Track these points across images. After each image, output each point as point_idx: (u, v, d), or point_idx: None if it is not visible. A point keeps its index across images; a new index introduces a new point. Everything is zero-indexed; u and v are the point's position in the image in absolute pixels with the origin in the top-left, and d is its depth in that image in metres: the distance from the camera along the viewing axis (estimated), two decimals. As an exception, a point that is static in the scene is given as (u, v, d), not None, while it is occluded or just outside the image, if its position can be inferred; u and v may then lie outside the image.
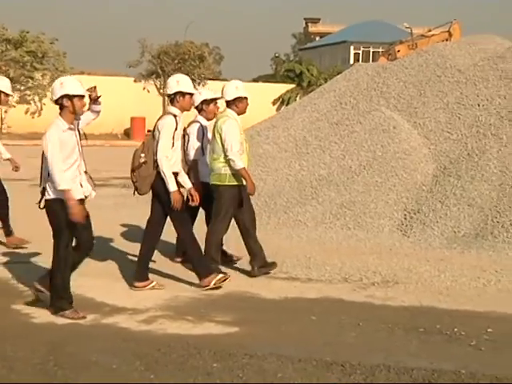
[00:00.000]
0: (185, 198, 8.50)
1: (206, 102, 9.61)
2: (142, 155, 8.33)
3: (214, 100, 9.69)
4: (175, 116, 8.32)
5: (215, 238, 8.91)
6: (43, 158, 7.26)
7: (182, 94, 8.38)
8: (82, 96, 7.30)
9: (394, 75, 15.24)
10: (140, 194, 8.55)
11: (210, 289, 8.28)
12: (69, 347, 6.43)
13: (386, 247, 10.69)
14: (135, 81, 41.60)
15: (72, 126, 7.30)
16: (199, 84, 41.85)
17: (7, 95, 10.34)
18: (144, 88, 40.69)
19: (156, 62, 42.22)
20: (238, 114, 8.98)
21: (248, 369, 5.96)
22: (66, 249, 7.28)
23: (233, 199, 8.84)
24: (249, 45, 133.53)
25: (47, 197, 7.26)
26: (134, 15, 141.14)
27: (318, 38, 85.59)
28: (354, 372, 5.91)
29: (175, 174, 8.28)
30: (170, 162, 8.20)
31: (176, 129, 8.28)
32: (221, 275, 8.43)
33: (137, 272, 8.45)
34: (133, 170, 8.43)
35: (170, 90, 8.42)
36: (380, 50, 51.71)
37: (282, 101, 47.66)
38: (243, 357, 6.19)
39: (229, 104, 8.99)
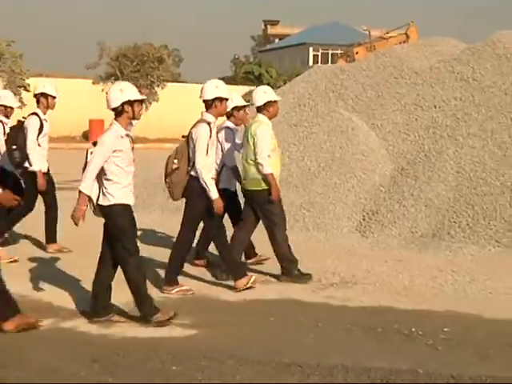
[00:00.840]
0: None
1: (237, 108, 9.52)
2: (175, 161, 8.32)
3: (244, 107, 9.67)
4: (209, 123, 8.28)
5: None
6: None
7: (221, 99, 8.38)
8: (142, 101, 7.24)
9: (352, 77, 15.34)
10: (174, 200, 8.58)
11: (244, 290, 8.38)
12: (27, 352, 6.39)
13: (345, 248, 10.76)
14: (93, 83, 41.30)
15: (129, 133, 7.25)
16: (158, 86, 41.76)
17: (54, 98, 10.29)
18: (103, 90, 40.26)
19: (114, 64, 42.00)
20: (270, 118, 9.01)
21: (207, 371, 5.96)
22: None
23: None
24: (208, 47, 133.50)
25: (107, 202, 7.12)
26: (93, 17, 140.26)
27: (277, 40, 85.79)
28: (312, 373, 5.93)
29: None
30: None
31: (210, 136, 8.25)
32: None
33: (166, 276, 8.46)
34: (166, 176, 8.42)
35: (209, 96, 8.33)
36: (339, 52, 51.88)
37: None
38: (202, 359, 6.19)
39: (259, 109, 8.98)
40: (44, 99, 10.21)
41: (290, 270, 8.92)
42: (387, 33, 24.52)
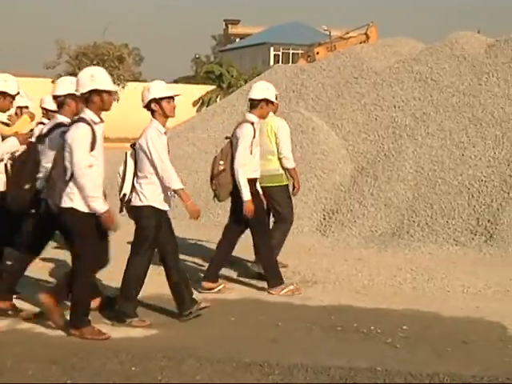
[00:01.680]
0: (264, 205, 8.58)
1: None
2: (221, 163, 8.28)
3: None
4: (253, 124, 8.28)
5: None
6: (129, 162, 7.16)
7: (267, 102, 8.42)
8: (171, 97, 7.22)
9: (312, 77, 15.41)
10: (219, 201, 8.58)
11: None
12: (-17, 354, 6.32)
13: (306, 247, 10.79)
14: (53, 82, 40.97)
15: (165, 130, 7.27)
16: (119, 85, 41.52)
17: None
18: (62, 89, 40.17)
19: (74, 63, 41.68)
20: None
21: (166, 371, 5.95)
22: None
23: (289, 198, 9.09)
24: (169, 46, 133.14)
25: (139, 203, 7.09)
26: (51, 16, 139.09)
27: (238, 40, 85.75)
28: (272, 372, 5.95)
29: (254, 181, 8.34)
30: (250, 169, 8.26)
31: (254, 136, 8.24)
32: (291, 286, 8.47)
33: (207, 272, 8.49)
34: (212, 178, 8.35)
35: (258, 96, 8.37)
36: (299, 51, 52.05)
37: (203, 102, 47.67)
38: (162, 359, 6.17)
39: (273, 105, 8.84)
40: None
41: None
42: (347, 33, 24.64)
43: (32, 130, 8.63)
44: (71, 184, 6.56)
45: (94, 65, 41.40)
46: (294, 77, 15.73)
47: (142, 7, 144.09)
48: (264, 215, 8.59)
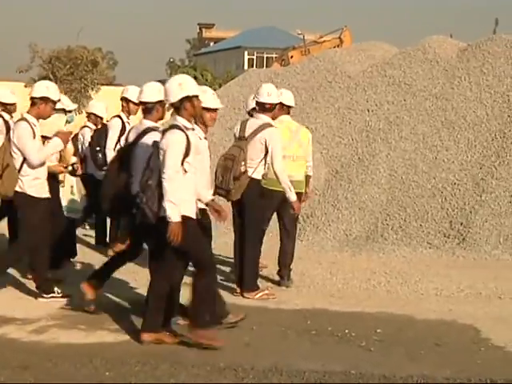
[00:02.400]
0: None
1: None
2: (243, 163, 8.26)
3: None
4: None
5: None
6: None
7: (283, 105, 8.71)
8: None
9: (286, 81, 15.45)
10: (229, 200, 8.47)
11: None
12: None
13: (280, 251, 10.77)
14: (26, 86, 40.70)
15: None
16: (92, 90, 41.35)
17: (136, 104, 9.79)
18: (35, 93, 39.93)
19: (47, 67, 41.41)
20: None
21: (141, 376, 5.93)
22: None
23: None
24: (143, 50, 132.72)
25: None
26: (24, 19, 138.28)
27: (212, 44, 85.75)
28: (246, 376, 5.95)
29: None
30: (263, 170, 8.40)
31: None
32: (266, 291, 8.51)
33: (245, 281, 8.42)
34: (235, 178, 8.23)
35: (273, 100, 8.46)
36: (274, 55, 52.14)
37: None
38: (136, 364, 6.14)
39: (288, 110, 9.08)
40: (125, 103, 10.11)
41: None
42: (321, 37, 24.79)
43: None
44: None
45: (67, 69, 41.33)
46: (268, 81, 15.71)
47: (116, 11, 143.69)
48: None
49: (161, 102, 7.37)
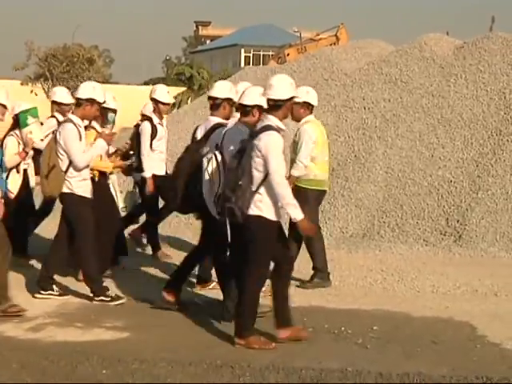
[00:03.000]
0: None
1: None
2: None
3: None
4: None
5: None
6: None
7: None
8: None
9: (282, 78, 15.41)
10: None
11: None
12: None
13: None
14: (22, 84, 40.72)
15: None
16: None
17: (165, 104, 10.00)
18: (31, 91, 39.88)
19: (44, 64, 41.39)
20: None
21: (138, 374, 5.94)
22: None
23: None
24: (140, 47, 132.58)
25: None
26: (20, 17, 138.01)
27: (208, 41, 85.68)
28: (243, 374, 5.96)
29: None
30: None
31: None
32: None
33: None
34: None
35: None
36: (270, 53, 52.10)
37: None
38: (133, 362, 6.15)
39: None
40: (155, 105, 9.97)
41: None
42: (318, 35, 24.78)
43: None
44: (261, 192, 6.52)
45: (63, 67, 41.26)
46: (265, 78, 15.68)
47: (113, 9, 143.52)
48: None
49: (229, 100, 7.56)
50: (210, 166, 7.27)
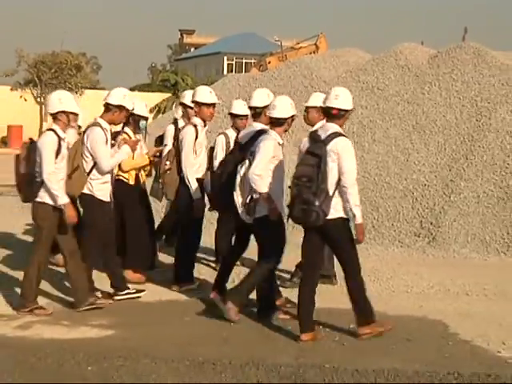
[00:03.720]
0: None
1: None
2: None
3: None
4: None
5: None
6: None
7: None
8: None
9: (264, 86, 15.38)
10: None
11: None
12: None
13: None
14: (12, 89, 40.55)
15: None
16: (76, 93, 41.17)
17: (207, 105, 8.63)
18: (21, 96, 39.76)
19: (33, 70, 41.27)
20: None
21: (122, 370, 5.93)
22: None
23: None
24: (126, 54, 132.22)
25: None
26: (9, 25, 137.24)
27: (193, 49, 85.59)
28: (224, 370, 5.96)
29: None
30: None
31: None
32: None
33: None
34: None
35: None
36: (252, 61, 52.15)
37: (159, 109, 47.49)
38: (117, 359, 6.15)
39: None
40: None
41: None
42: (298, 43, 24.86)
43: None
44: (336, 195, 6.68)
45: (52, 73, 41.08)
46: (247, 85, 15.77)
47: (100, 17, 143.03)
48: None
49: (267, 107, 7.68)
50: (243, 169, 7.43)
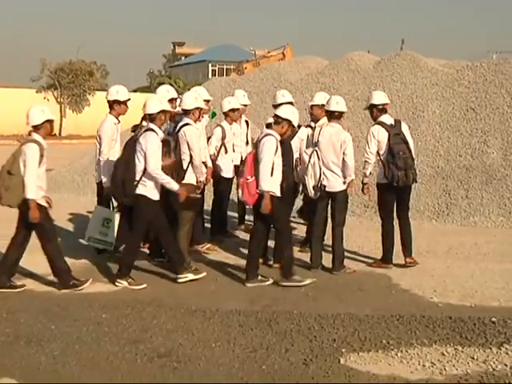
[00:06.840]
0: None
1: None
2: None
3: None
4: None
5: None
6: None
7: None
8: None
9: (241, 87, 15.31)
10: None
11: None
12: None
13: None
14: (37, 92, 40.14)
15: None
16: (89, 94, 40.85)
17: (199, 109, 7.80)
18: (45, 98, 39.33)
19: (54, 76, 40.94)
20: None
21: (130, 317, 5.91)
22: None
23: None
24: (129, 63, 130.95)
25: None
26: (34, 39, 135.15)
27: (183, 58, 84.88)
28: (212, 316, 5.96)
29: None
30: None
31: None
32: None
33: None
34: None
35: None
36: (232, 67, 51.80)
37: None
38: (126, 308, 6.13)
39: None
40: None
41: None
42: (268, 52, 24.68)
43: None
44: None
45: (69, 78, 40.61)
46: (228, 87, 15.68)
47: (108, 32, 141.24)
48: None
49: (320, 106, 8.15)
50: (312, 158, 7.55)
